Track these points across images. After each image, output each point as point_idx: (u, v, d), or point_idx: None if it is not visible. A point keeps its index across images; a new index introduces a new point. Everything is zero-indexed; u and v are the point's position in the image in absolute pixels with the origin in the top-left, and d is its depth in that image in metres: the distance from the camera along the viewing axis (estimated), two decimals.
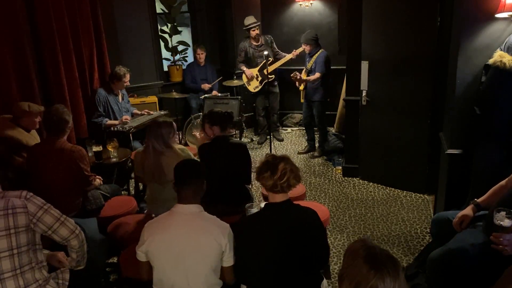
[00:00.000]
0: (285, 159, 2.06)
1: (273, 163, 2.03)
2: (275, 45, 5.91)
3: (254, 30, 5.63)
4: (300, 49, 5.33)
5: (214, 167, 2.96)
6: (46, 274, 2.15)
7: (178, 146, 3.15)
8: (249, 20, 5.65)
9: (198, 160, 3.14)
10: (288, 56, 5.65)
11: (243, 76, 5.84)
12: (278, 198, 2.07)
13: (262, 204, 2.49)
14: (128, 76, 4.69)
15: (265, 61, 5.59)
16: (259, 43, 5.77)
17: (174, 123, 3.13)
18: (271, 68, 5.74)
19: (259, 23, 5.68)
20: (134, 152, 3.19)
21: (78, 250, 2.22)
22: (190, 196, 2.10)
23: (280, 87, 6.04)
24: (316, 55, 5.12)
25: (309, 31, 5.20)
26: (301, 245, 2.01)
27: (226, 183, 3.07)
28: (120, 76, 4.63)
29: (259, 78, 5.42)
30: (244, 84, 5.87)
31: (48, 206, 2.12)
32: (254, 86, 5.80)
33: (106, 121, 4.60)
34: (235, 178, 3.12)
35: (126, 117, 4.67)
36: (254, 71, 5.72)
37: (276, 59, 5.83)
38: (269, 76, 5.74)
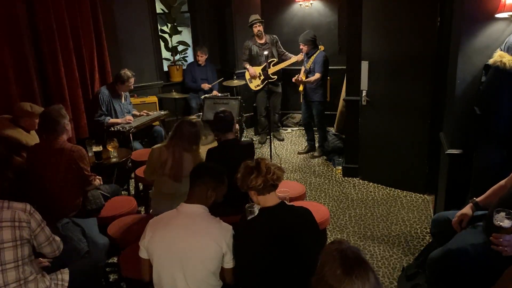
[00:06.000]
0: (261, 159, 2.11)
1: (253, 165, 2.06)
2: (280, 45, 5.91)
3: (256, 27, 5.62)
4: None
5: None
6: (48, 283, 2.18)
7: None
8: (253, 17, 5.67)
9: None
10: (294, 58, 5.64)
11: (246, 73, 5.85)
12: (270, 200, 2.07)
13: None
14: (132, 80, 4.74)
15: (269, 60, 5.58)
16: (263, 41, 5.77)
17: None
18: (275, 69, 5.75)
19: (261, 19, 5.67)
20: (153, 148, 3.16)
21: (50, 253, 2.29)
22: (195, 196, 2.12)
23: (282, 87, 6.03)
24: (314, 55, 5.13)
25: (307, 31, 5.21)
26: (299, 246, 2.01)
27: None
28: (123, 79, 4.67)
29: (261, 77, 5.42)
30: (246, 81, 5.89)
31: (44, 224, 2.17)
32: (255, 85, 5.81)
33: (109, 119, 4.62)
34: None
35: (130, 117, 4.71)
36: (257, 70, 5.72)
37: (281, 60, 5.83)
38: (272, 77, 5.75)
